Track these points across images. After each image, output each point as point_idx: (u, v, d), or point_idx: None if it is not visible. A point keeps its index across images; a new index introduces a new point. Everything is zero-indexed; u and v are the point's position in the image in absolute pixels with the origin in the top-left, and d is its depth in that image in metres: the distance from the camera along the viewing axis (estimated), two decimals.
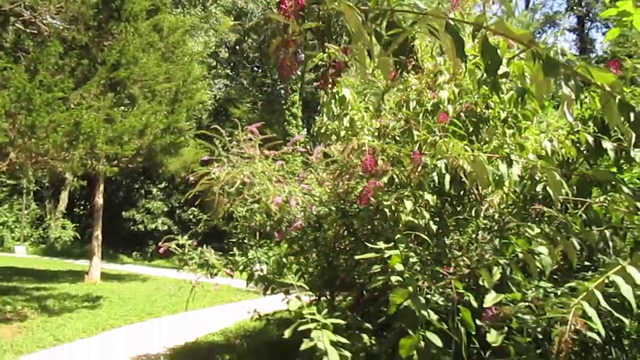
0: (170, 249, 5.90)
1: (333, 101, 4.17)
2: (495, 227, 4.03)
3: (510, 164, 2.54)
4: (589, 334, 1.69)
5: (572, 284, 3.49)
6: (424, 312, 2.74)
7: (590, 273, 3.53)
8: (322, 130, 4.63)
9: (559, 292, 3.17)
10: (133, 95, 10.11)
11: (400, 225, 3.71)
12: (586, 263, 3.65)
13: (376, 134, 4.15)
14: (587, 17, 34.99)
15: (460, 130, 3.41)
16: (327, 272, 5.93)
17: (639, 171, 4.04)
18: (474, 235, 4.53)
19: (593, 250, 3.15)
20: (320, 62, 4.35)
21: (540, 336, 2.65)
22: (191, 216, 26.17)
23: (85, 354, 7.09)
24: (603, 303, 1.62)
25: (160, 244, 5.76)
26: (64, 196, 29.74)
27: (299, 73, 26.54)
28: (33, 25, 9.51)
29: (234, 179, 5.85)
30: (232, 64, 31.57)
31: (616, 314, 1.80)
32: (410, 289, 2.78)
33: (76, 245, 28.33)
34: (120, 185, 26.64)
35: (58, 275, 16.51)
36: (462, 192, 4.39)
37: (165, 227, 25.84)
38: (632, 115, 1.71)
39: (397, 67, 1.60)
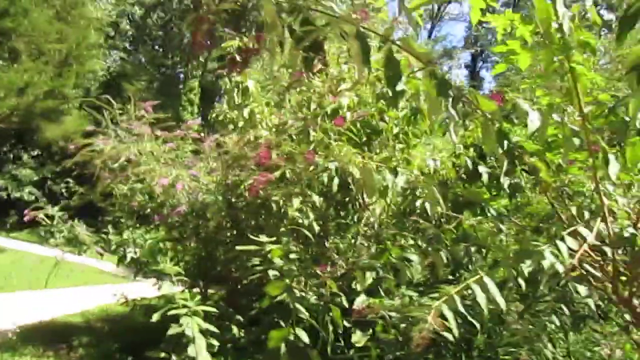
0: (37, 219, 5.52)
1: (236, 90, 4.14)
2: (374, 235, 4.22)
3: (396, 174, 2.70)
4: (444, 333, 1.85)
5: (435, 294, 3.78)
6: (298, 305, 2.81)
7: (452, 286, 3.80)
8: (220, 118, 4.57)
9: (423, 300, 3.39)
10: (17, 50, 9.28)
11: (286, 222, 3.76)
12: (450, 277, 3.93)
13: (274, 129, 4.18)
14: (480, 57, 38.10)
15: (355, 136, 3.56)
16: (205, 262, 5.85)
17: (506, 202, 4.41)
18: (352, 241, 4.72)
19: (458, 265, 3.42)
20: (228, 50, 4.32)
21: (401, 339, 2.82)
22: (64, 189, 24.46)
23: None
24: (460, 308, 1.78)
25: (26, 211, 5.36)
26: None
27: (201, 60, 25.95)
28: None
29: (119, 154, 5.60)
30: (132, 38, 30.06)
31: (470, 318, 1.98)
32: (288, 281, 2.84)
33: None
34: None
35: None
36: (347, 199, 4.56)
37: (32, 198, 23.80)
38: (506, 143, 1.89)
39: (306, 62, 1.64)
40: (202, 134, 6.80)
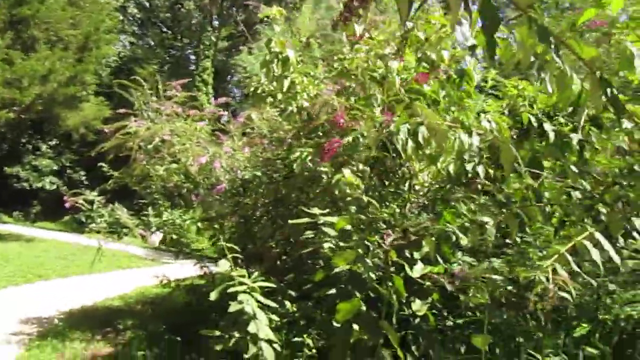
0: (77, 205, 5.50)
1: (276, 61, 4.02)
2: (426, 202, 4.14)
3: (470, 134, 2.59)
4: (561, 293, 1.78)
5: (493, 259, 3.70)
6: (372, 275, 2.74)
7: (509, 250, 3.70)
8: (259, 91, 4.47)
9: (485, 266, 3.31)
10: (35, 38, 9.17)
11: (337, 193, 3.68)
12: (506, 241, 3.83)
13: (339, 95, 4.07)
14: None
15: (434, 95, 3.47)
16: (244, 239, 5.81)
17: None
18: (397, 210, 4.63)
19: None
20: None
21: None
22: (84, 177, 24.75)
23: None
24: (574, 266, 1.70)
25: (66, 197, 5.34)
26: None
27: (213, 39, 25.67)
28: None
29: (154, 135, 5.54)
30: (140, 21, 29.84)
31: (586, 277, 1.90)
32: (360, 250, 2.77)
33: None
34: (4, 138, 24.34)
35: None
36: (389, 167, 4.47)
37: (54, 187, 24.04)
38: (609, 90, 1.77)
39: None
40: (226, 112, 6.76)
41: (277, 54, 4.04)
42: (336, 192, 3.70)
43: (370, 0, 1.48)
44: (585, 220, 2.77)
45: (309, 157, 3.82)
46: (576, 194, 2.60)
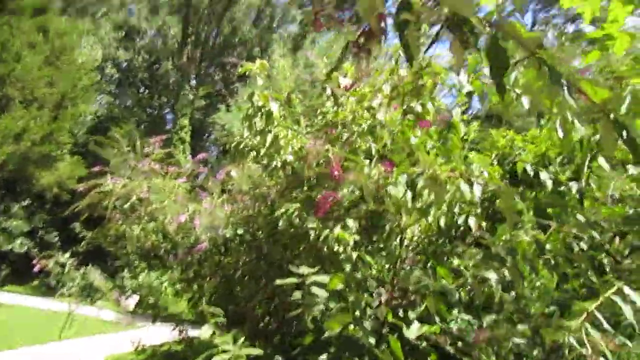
0: (45, 269, 5.20)
1: (259, 114, 3.91)
2: (417, 257, 3.98)
3: (471, 184, 2.47)
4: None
5: (492, 316, 3.51)
6: (371, 339, 2.53)
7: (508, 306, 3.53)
8: (241, 147, 4.33)
9: (484, 324, 3.13)
10: (9, 96, 8.99)
11: (326, 251, 3.50)
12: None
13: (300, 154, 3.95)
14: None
15: (426, 143, 3.35)
16: (226, 300, 5.53)
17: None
18: (386, 266, 4.45)
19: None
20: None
21: None
22: (56, 238, 23.99)
23: None
24: (605, 325, 1.55)
25: (35, 261, 5.05)
26: None
27: (190, 97, 25.79)
28: None
29: (131, 193, 5.34)
30: (118, 81, 29.97)
31: (621, 338, 1.73)
32: (358, 313, 2.57)
33: None
34: None
35: None
36: (377, 222, 4.31)
37: (24, 249, 23.19)
38: (624, 133, 1.67)
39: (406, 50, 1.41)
40: (205, 168, 6.63)
41: (260, 107, 3.93)
42: (324, 249, 3.52)
43: (377, 36, 1.36)
44: (590, 272, 2.64)
45: (296, 213, 3.66)
46: (581, 245, 2.47)
